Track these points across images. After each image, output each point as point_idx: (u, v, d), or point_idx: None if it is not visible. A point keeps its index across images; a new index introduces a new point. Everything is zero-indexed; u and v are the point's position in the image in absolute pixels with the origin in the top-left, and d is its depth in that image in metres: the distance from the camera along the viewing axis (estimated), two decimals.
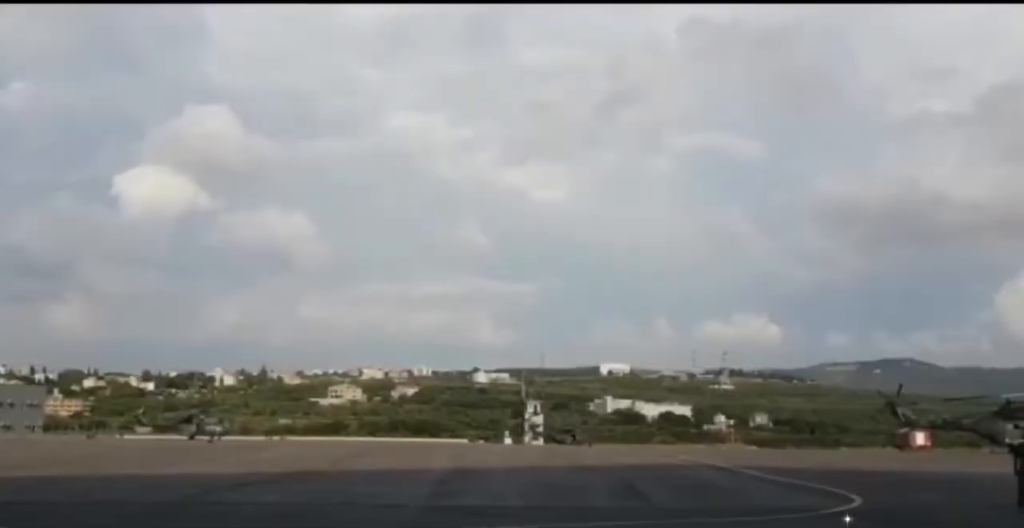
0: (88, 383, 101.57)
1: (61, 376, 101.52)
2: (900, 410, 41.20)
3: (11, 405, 63.62)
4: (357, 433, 70.10)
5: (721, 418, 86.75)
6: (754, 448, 58.61)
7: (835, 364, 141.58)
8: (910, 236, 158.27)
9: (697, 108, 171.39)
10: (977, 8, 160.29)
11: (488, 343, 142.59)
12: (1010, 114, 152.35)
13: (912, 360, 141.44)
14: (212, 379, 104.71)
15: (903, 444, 45.52)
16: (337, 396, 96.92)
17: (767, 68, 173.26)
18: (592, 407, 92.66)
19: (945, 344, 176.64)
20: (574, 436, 55.33)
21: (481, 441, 60.66)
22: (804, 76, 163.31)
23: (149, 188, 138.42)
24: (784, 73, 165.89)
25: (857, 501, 12.42)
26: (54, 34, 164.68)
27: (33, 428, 62.04)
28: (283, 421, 78.44)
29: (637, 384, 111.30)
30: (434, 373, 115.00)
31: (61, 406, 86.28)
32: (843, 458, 36.11)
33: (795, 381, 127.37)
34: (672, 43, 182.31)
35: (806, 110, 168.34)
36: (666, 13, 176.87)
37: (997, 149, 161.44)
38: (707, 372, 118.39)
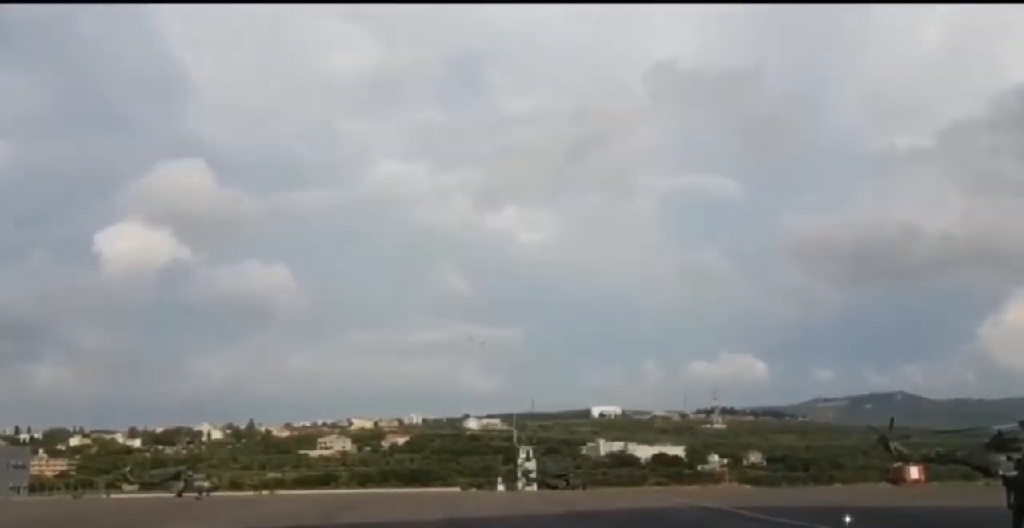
0: (74, 441, 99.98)
1: (46, 435, 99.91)
2: (892, 445, 41.19)
3: None
4: (348, 484, 69.12)
5: (715, 458, 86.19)
6: (749, 487, 58.28)
7: (825, 400, 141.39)
8: (888, 270, 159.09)
9: (670, 150, 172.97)
10: (936, 47, 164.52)
11: (478, 389, 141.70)
12: (973, 147, 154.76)
13: (902, 393, 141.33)
14: (199, 434, 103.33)
15: (897, 479, 45.39)
16: (327, 447, 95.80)
17: (734, 110, 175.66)
18: (585, 450, 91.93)
19: (933, 377, 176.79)
20: (568, 481, 54.88)
21: (474, 489, 60.04)
22: (771, 116, 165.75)
23: (129, 244, 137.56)
24: (751, 114, 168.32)
25: None
26: (36, 91, 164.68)
27: (19, 489, 60.94)
28: (272, 475, 77.41)
29: (629, 426, 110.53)
30: (424, 421, 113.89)
31: (46, 466, 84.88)
32: (837, 495, 35.94)
33: (787, 418, 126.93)
34: (638, 89, 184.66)
35: (776, 149, 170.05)
36: (632, 60, 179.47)
37: (964, 182, 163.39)
38: (699, 411, 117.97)
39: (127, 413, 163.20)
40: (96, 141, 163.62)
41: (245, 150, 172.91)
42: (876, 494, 35.45)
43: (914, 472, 44.58)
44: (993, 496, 17.81)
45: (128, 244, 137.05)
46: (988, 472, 32.32)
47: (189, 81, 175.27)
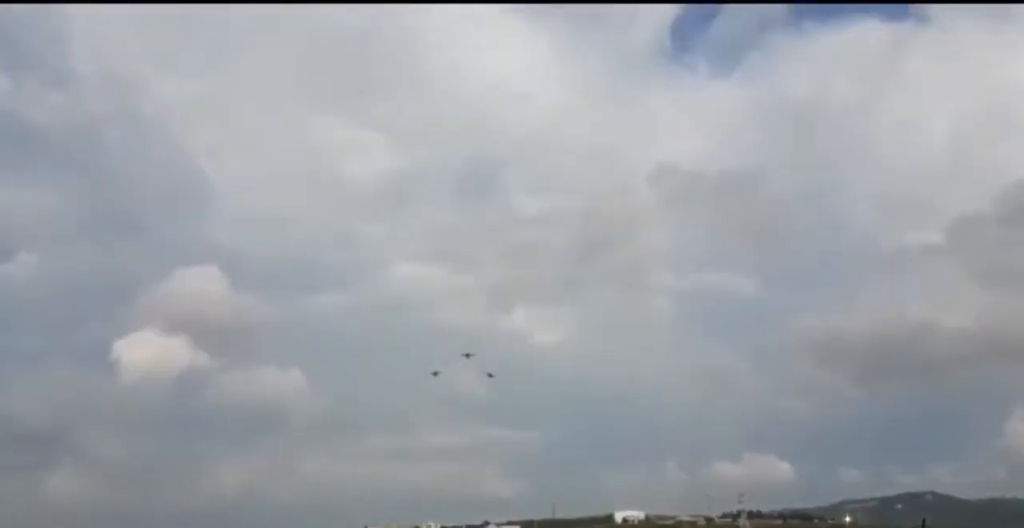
0: None
1: None
2: None
3: None
4: None
5: None
6: None
7: (855, 501, 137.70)
8: (908, 367, 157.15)
9: (682, 249, 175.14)
10: (942, 145, 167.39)
11: (497, 494, 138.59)
12: (983, 242, 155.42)
13: (933, 493, 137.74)
14: None
15: None
16: None
17: (743, 209, 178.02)
18: None
19: (962, 475, 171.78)
20: None
21: None
22: (779, 215, 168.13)
23: (147, 351, 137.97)
24: (759, 213, 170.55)
25: None
26: (62, 201, 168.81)
27: None
28: None
29: None
30: None
31: None
32: None
33: (816, 521, 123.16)
34: (645, 190, 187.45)
35: (788, 247, 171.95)
36: (635, 162, 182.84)
37: (977, 277, 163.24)
38: (724, 515, 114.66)
39: (144, 521, 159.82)
40: (118, 249, 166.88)
41: (263, 255, 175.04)
42: None
43: None
44: None
45: (146, 351, 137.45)
46: None
47: (210, 189, 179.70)
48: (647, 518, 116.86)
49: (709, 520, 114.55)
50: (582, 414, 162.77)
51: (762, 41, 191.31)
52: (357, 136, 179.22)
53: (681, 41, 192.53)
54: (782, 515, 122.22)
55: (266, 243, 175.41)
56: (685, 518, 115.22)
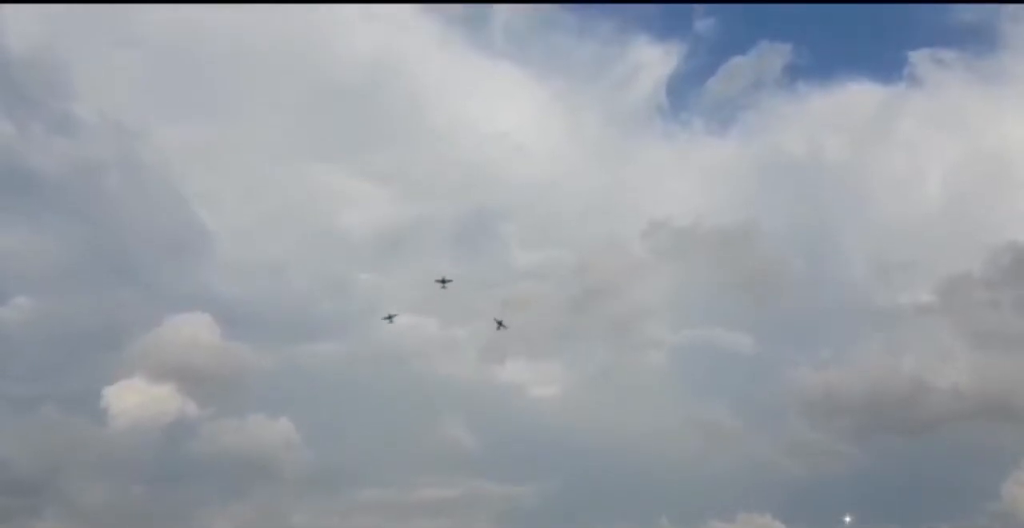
0: None
1: None
2: None
3: None
4: None
5: None
6: None
7: None
8: (902, 425, 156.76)
9: (675, 304, 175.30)
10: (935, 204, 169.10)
11: None
12: (973, 303, 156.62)
13: None
14: None
15: None
16: None
17: (735, 264, 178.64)
18: None
19: None
20: None
21: None
22: (772, 270, 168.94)
23: (136, 399, 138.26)
24: (752, 268, 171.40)
25: None
26: (55, 246, 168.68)
27: None
28: None
29: None
30: None
31: None
32: None
33: None
34: (637, 245, 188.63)
35: (781, 303, 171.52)
36: (631, 216, 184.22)
37: (969, 337, 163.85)
38: None
39: None
40: (112, 295, 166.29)
41: (256, 303, 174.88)
42: None
43: None
44: None
45: (135, 399, 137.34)
46: None
47: (207, 236, 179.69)
48: None
49: None
50: (575, 468, 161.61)
51: (757, 101, 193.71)
52: (356, 186, 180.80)
53: (678, 99, 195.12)
54: None
55: (260, 291, 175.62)
56: None
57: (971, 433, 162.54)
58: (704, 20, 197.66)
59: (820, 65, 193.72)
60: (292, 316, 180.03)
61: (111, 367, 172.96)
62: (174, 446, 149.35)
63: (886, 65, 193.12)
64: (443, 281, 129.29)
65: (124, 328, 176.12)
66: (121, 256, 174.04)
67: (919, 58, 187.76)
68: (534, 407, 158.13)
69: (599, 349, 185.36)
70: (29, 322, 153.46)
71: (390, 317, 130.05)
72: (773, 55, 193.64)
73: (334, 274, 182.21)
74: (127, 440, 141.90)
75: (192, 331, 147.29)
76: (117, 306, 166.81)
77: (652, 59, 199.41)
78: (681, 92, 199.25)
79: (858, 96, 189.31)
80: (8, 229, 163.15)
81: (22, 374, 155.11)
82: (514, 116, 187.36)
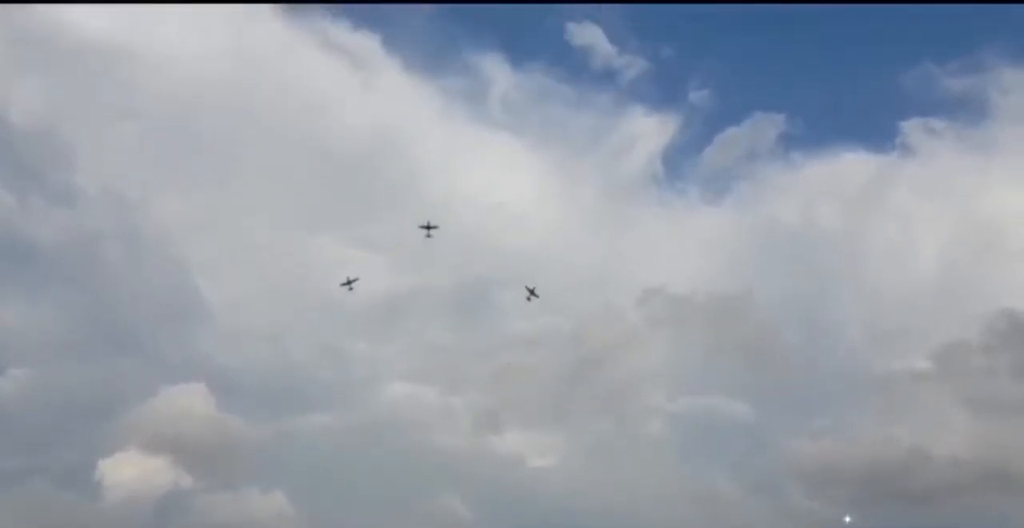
0: None
1: None
2: None
3: None
4: None
5: None
6: None
7: None
8: (901, 494, 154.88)
9: (672, 373, 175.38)
10: (921, 273, 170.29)
11: None
12: (969, 370, 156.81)
13: None
14: None
15: None
16: None
17: (728, 332, 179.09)
18: None
19: None
20: None
21: None
22: (768, 339, 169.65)
23: (131, 471, 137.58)
24: (747, 336, 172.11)
25: None
26: (52, 317, 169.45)
27: None
28: None
29: None
30: None
31: None
32: None
33: None
34: (634, 312, 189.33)
35: (777, 371, 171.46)
36: (628, 284, 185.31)
37: (966, 404, 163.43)
38: None
39: None
40: (108, 366, 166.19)
41: (252, 373, 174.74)
42: None
43: None
44: None
45: (130, 472, 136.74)
46: None
47: (203, 305, 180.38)
48: None
49: None
50: None
51: (751, 170, 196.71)
52: (353, 255, 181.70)
53: (674, 168, 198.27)
54: None
55: (256, 360, 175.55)
56: None
57: (971, 502, 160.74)
58: (698, 91, 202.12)
59: (813, 134, 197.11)
60: (288, 385, 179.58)
61: (106, 439, 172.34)
62: (168, 520, 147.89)
63: (878, 134, 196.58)
64: (428, 227, 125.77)
65: (119, 399, 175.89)
66: (118, 326, 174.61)
67: (911, 127, 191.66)
68: (531, 477, 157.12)
69: (596, 418, 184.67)
70: (23, 394, 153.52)
71: (349, 282, 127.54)
72: (767, 125, 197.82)
73: (331, 343, 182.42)
74: (121, 513, 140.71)
75: (187, 402, 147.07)
76: (113, 377, 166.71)
77: (648, 130, 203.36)
78: (677, 162, 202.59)
79: (851, 165, 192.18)
80: (5, 301, 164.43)
81: (15, 447, 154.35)
82: (512, 186, 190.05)
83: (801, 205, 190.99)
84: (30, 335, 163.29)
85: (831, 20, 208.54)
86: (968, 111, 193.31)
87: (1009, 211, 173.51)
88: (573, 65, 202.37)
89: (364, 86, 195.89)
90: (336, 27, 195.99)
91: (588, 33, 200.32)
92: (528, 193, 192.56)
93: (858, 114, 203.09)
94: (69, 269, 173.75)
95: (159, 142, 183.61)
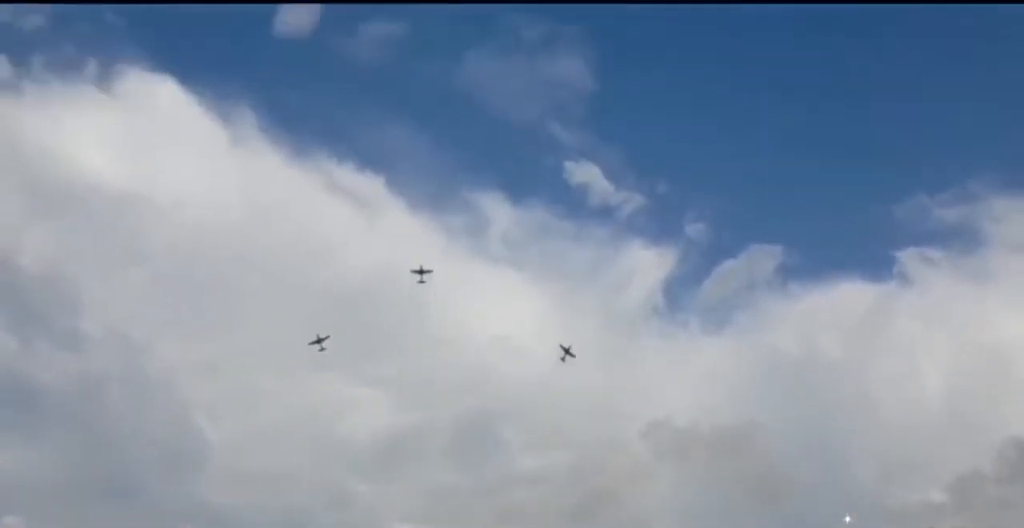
0: None
1: None
2: None
3: None
4: None
5: None
6: None
7: None
8: None
9: (678, 506, 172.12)
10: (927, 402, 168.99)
11: None
12: (983, 501, 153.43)
13: None
14: None
15: None
16: None
17: (734, 464, 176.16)
18: None
19: None
20: None
21: None
22: (771, 470, 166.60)
23: None
24: (751, 468, 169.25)
25: None
26: (55, 464, 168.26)
27: None
28: None
29: None
30: None
31: None
32: None
33: None
34: (638, 445, 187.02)
35: (784, 504, 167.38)
36: (631, 417, 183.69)
37: None
38: None
39: None
40: (106, 512, 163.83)
41: (253, 516, 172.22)
42: None
43: None
44: None
45: None
46: None
47: (206, 447, 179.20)
48: None
49: None
50: None
51: (751, 301, 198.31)
52: (358, 394, 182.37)
53: (674, 300, 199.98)
54: None
55: (258, 503, 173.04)
56: None
57: None
58: (694, 224, 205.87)
59: (810, 265, 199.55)
60: (291, 527, 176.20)
61: None
62: None
63: (875, 264, 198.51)
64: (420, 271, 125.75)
65: None
66: (118, 470, 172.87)
67: (907, 257, 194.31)
68: None
69: None
70: None
71: (319, 340, 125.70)
72: (764, 257, 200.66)
73: (333, 484, 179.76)
74: None
75: None
76: (107, 524, 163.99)
77: (646, 263, 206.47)
78: (677, 293, 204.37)
79: (850, 294, 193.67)
80: (3, 446, 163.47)
81: None
82: (513, 320, 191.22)
83: (802, 335, 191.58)
84: (26, 482, 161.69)
85: (822, 152, 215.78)
86: (962, 240, 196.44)
87: (1010, 338, 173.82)
88: (571, 202, 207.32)
89: (369, 226, 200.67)
90: (341, 169, 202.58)
91: (585, 171, 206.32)
92: (530, 326, 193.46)
93: (854, 245, 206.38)
94: (71, 413, 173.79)
95: (166, 287, 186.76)
